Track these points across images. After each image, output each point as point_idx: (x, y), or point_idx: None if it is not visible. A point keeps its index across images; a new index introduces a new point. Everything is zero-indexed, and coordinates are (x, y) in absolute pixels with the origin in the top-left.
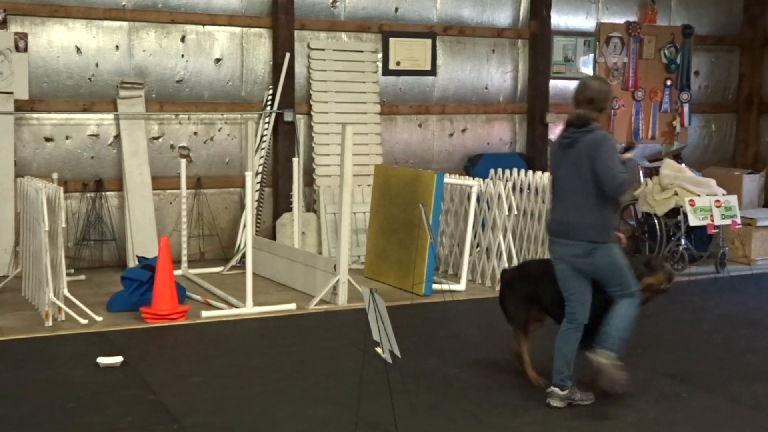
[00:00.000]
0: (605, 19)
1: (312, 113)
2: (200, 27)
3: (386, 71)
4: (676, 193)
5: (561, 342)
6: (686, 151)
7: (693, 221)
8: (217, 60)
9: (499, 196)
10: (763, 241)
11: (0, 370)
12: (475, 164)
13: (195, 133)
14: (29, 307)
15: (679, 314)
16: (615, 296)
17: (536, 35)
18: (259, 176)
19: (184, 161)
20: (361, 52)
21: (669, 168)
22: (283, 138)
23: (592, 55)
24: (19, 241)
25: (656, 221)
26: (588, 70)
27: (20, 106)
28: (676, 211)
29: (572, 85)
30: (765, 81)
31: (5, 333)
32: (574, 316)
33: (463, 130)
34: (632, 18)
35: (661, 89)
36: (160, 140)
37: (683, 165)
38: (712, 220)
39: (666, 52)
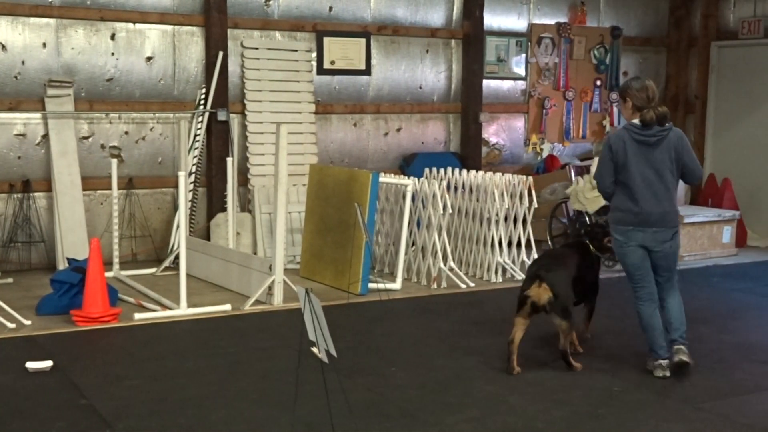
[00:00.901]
0: (536, 20)
1: (246, 112)
2: (131, 25)
3: (321, 70)
4: None
5: (654, 320)
6: None
7: None
8: (149, 58)
9: (434, 195)
10: (689, 237)
11: None
12: (410, 163)
13: (126, 133)
14: None
15: (610, 310)
16: (665, 283)
17: (469, 35)
18: (193, 176)
19: (115, 161)
20: (296, 51)
21: None
22: (217, 137)
23: (524, 56)
24: None
25: (587, 219)
26: (520, 70)
27: None
28: (606, 209)
29: (505, 85)
30: (690, 81)
31: None
32: (653, 295)
33: (398, 130)
34: (563, 19)
35: (592, 89)
36: (90, 140)
37: None
38: None
39: (596, 52)
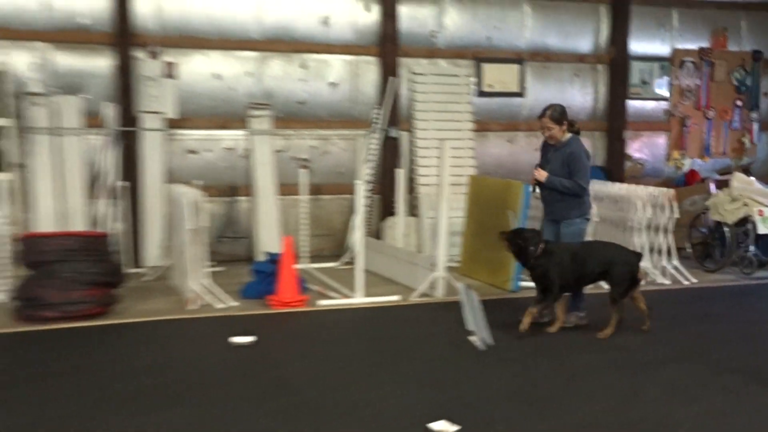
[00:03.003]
0: (679, 45)
1: (414, 130)
2: (318, 55)
3: (479, 93)
4: (745, 204)
5: None
6: (755, 165)
7: (761, 229)
8: (333, 84)
9: None
10: None
11: (147, 346)
12: None
13: (314, 147)
14: (175, 293)
15: (747, 314)
16: None
17: (615, 60)
18: (368, 185)
19: (304, 171)
20: (457, 76)
21: (739, 180)
22: (389, 152)
23: (667, 78)
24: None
25: (726, 229)
26: (663, 91)
27: (170, 125)
28: (745, 220)
29: (648, 105)
30: None
31: (153, 314)
32: None
33: None
34: (704, 44)
35: (732, 109)
36: (284, 153)
37: (752, 178)
38: None
39: (736, 74)
